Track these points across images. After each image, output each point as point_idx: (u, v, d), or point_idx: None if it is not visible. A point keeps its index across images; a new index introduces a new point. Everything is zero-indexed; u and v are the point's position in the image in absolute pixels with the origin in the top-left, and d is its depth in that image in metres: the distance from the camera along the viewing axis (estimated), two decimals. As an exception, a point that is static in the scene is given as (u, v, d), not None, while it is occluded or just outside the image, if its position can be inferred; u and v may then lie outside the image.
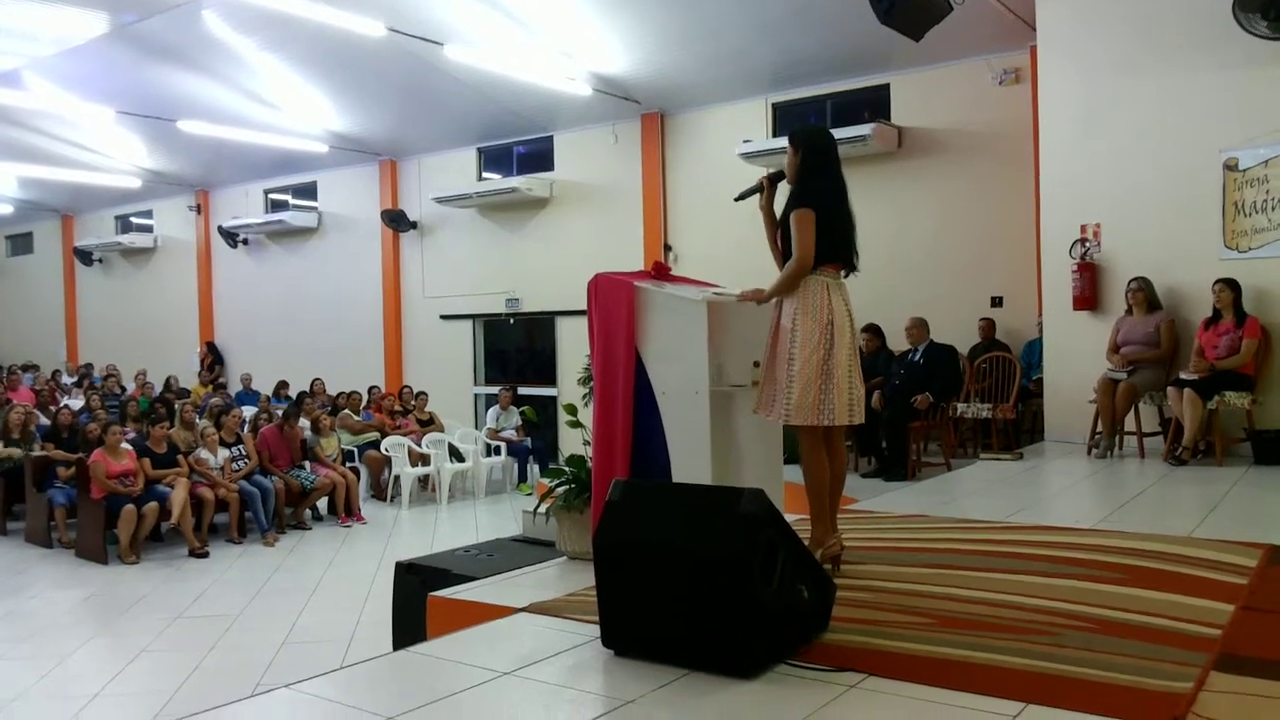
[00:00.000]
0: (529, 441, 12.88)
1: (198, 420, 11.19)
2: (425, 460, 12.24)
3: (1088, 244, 8.25)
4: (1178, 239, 7.88)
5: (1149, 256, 8.00)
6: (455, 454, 12.58)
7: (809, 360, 3.86)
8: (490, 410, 13.41)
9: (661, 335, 4.28)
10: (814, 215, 3.88)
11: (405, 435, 12.47)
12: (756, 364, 4.27)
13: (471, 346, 14.78)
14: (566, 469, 4.89)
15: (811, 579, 3.21)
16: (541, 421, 11.77)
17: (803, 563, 3.17)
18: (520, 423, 12.84)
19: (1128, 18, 8.10)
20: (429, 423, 13.15)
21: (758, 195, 4.32)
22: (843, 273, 4.09)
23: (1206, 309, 7.57)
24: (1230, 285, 7.39)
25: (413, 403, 13.41)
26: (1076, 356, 8.24)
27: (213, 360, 18.34)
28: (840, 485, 4.18)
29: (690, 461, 4.16)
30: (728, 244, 10.99)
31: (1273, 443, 7.20)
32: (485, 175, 14.51)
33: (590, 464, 4.60)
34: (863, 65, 10.67)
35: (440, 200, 14.18)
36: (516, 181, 13.46)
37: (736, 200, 4.56)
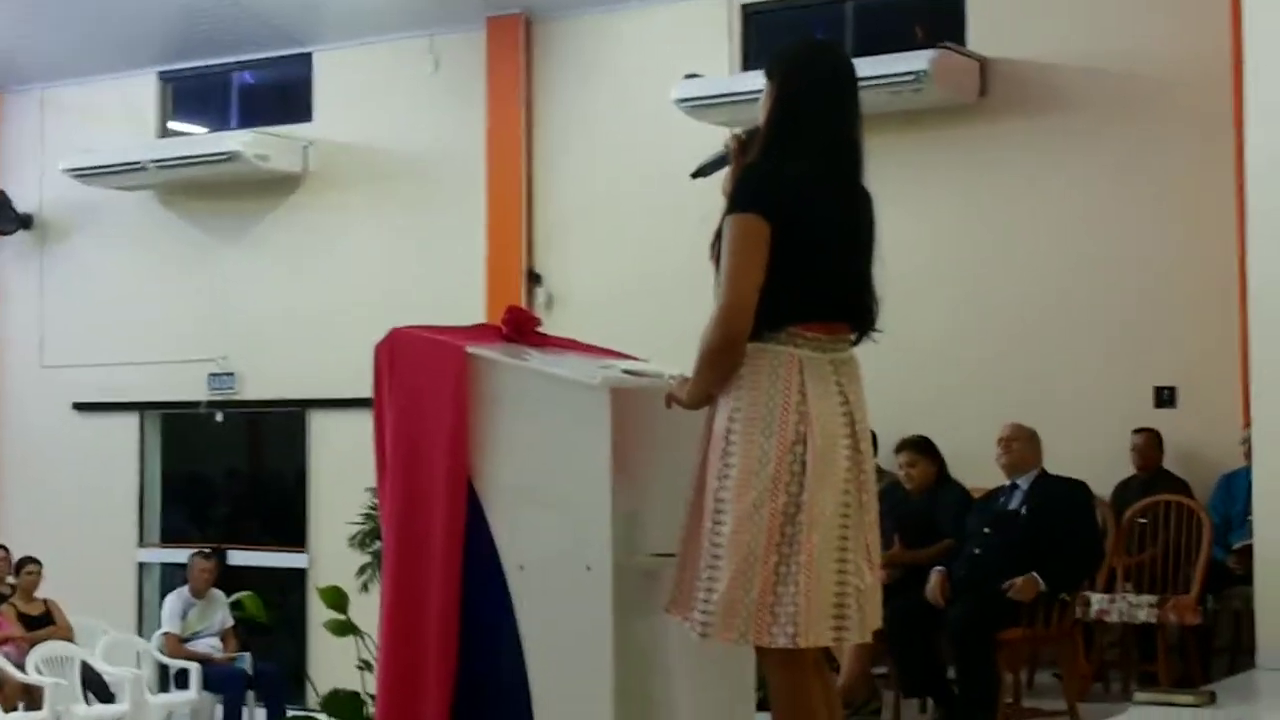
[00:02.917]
0: (247, 661, 10.92)
1: None
2: (33, 698, 10.14)
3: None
4: None
5: None
6: (96, 686, 10.46)
7: (751, 516, 3.29)
8: (172, 598, 11.11)
9: (520, 452, 3.77)
10: (767, 227, 3.36)
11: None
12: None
13: (137, 466, 12.45)
14: None
15: None
16: (276, 621, 10.08)
17: None
18: (232, 623, 10.84)
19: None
20: (42, 621, 10.97)
21: (725, 170, 3.76)
22: (852, 338, 3.52)
23: None
24: None
25: (10, 580, 11.30)
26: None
27: None
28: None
29: (574, 710, 3.65)
30: (655, 273, 9.47)
31: None
32: (174, 127, 12.49)
33: (373, 712, 4.12)
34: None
35: (80, 174, 11.87)
36: (238, 140, 11.20)
37: (695, 176, 3.93)
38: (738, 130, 3.84)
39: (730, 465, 3.35)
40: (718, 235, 3.46)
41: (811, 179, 3.45)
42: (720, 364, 3.37)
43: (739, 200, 3.44)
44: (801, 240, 3.39)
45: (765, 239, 3.33)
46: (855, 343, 3.53)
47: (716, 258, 3.46)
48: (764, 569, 3.31)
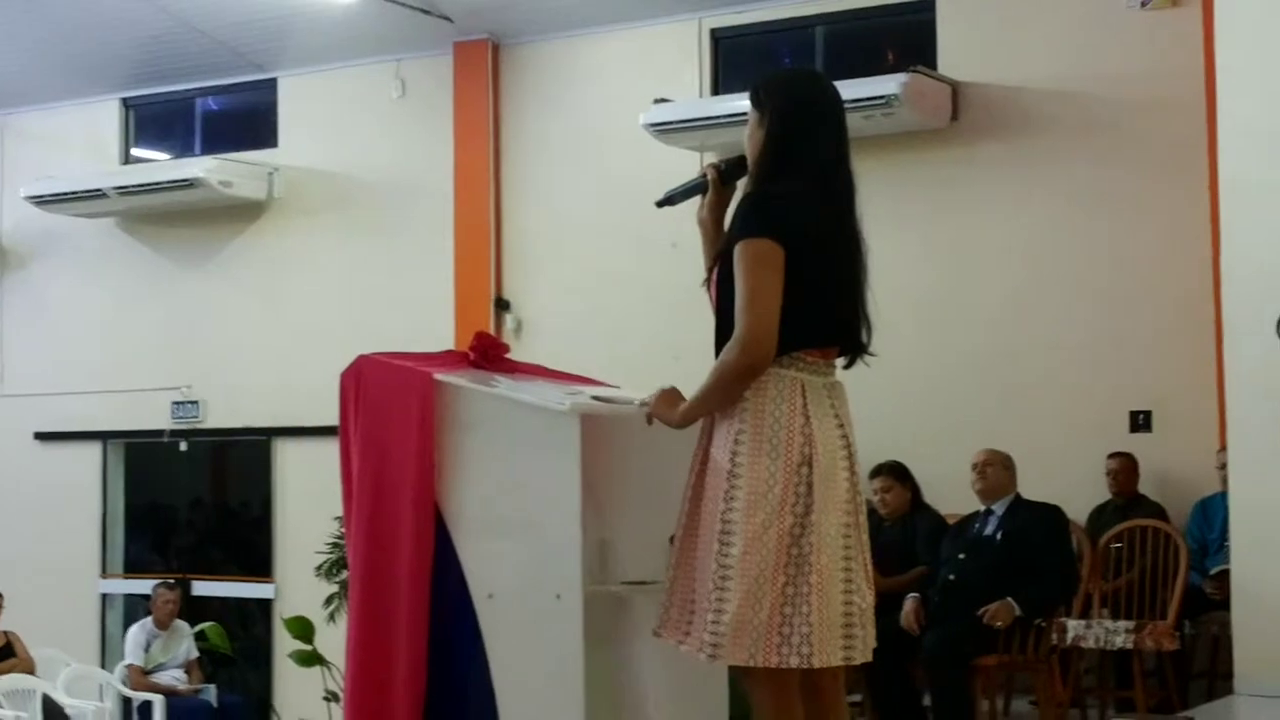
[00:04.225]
0: (212, 693, 10.64)
1: None
2: (-4, 731, 10.08)
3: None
4: None
5: None
6: (59, 719, 10.18)
7: (760, 537, 3.30)
8: (135, 629, 10.91)
9: (488, 479, 3.76)
10: (782, 251, 3.34)
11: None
12: (674, 539, 3.76)
13: (100, 496, 12.30)
14: (291, 752, 3.63)
15: None
16: (241, 652, 9.99)
17: None
18: (196, 655, 10.61)
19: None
20: (2, 654, 10.76)
21: (699, 198, 3.75)
22: (840, 362, 3.54)
23: None
24: None
25: (-30, 614, 11.15)
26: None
27: None
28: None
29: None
30: (625, 299, 9.44)
31: None
32: (137, 153, 12.35)
33: (341, 743, 4.10)
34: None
35: (42, 201, 11.81)
36: (202, 167, 11.12)
37: (661, 205, 3.93)
38: (715, 159, 3.84)
39: (737, 488, 3.33)
40: (719, 261, 3.46)
41: (811, 204, 3.45)
42: (738, 388, 3.35)
43: (752, 225, 3.41)
44: (807, 266, 3.39)
45: (781, 263, 3.33)
46: (848, 365, 3.55)
47: (718, 285, 3.44)
48: (772, 590, 3.32)
